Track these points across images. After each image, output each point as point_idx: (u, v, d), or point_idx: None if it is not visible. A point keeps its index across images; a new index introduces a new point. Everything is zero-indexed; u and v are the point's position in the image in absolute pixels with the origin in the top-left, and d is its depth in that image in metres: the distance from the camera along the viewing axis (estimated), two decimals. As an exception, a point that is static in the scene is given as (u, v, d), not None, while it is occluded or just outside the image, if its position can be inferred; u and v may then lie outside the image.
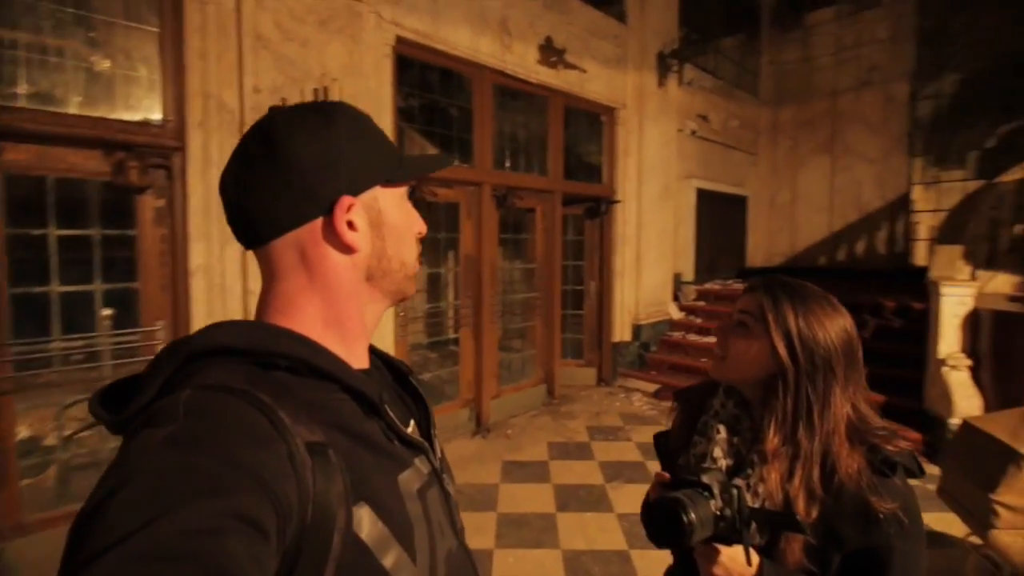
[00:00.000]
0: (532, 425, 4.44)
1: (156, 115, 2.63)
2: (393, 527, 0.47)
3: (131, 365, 2.64)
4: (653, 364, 5.75)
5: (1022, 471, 1.92)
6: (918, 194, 7.15)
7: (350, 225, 0.53)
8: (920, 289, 5.02)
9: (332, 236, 0.52)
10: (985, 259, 4.75)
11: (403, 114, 3.71)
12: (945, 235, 5.45)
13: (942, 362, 3.96)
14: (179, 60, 2.62)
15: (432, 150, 4.21)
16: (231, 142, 2.74)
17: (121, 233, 2.61)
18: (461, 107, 4.12)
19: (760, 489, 0.81)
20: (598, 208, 5.33)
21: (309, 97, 2.93)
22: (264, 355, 0.47)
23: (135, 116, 2.58)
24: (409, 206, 0.60)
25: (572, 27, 4.70)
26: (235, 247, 2.78)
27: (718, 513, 0.73)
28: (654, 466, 3.79)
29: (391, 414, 0.54)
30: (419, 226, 0.61)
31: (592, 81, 4.92)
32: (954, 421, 3.63)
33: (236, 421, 0.40)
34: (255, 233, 0.53)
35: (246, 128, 2.72)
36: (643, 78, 5.40)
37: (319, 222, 0.52)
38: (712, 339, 5.58)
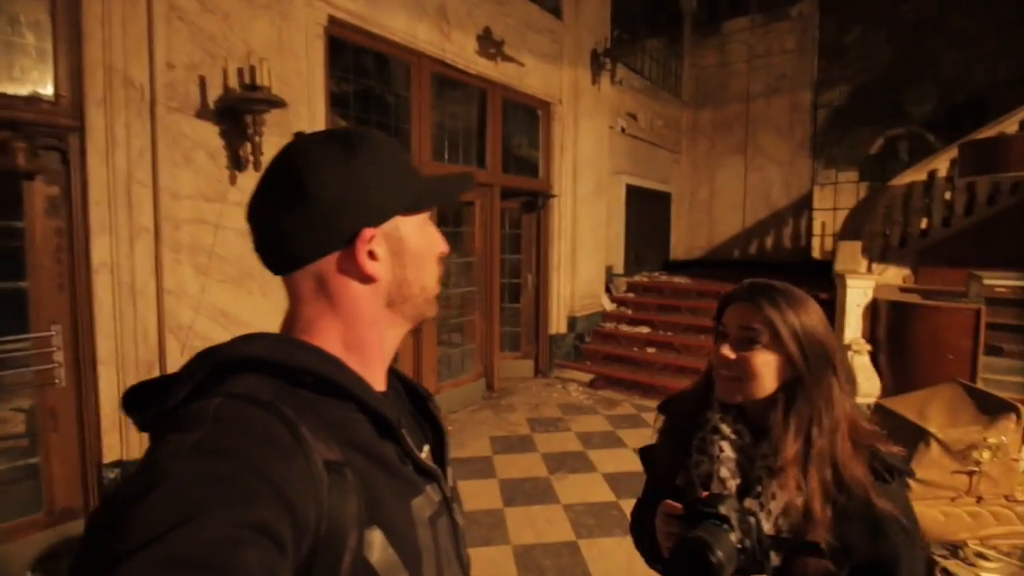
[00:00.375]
0: (473, 420, 4.40)
1: (47, 89, 2.28)
2: (403, 554, 0.47)
3: (22, 375, 2.29)
4: (588, 355, 5.90)
5: (930, 447, 2.15)
6: (817, 194, 7.86)
7: (371, 255, 0.54)
8: (822, 281, 5.52)
9: (353, 266, 0.53)
10: (880, 254, 5.31)
11: (337, 100, 3.49)
12: (846, 232, 6.03)
13: (847, 347, 4.38)
14: (76, 26, 2.28)
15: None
16: (140, 123, 2.44)
17: (7, 225, 2.24)
18: (399, 95, 3.95)
19: (772, 506, 0.80)
20: (535, 202, 5.36)
21: (232, 77, 2.67)
22: (291, 370, 0.48)
23: (21, 90, 2.21)
24: (431, 229, 0.60)
25: (510, 19, 4.65)
26: (147, 242, 2.48)
27: (739, 546, 0.70)
28: (595, 455, 3.90)
29: (407, 438, 0.54)
30: (440, 247, 0.60)
31: (529, 75, 4.91)
32: (858, 400, 4.04)
33: (261, 433, 0.41)
34: (279, 262, 0.54)
35: (158, 107, 2.42)
36: (578, 74, 5.47)
37: (340, 253, 0.53)
38: (643, 329, 5.78)
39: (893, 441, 2.17)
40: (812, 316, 0.84)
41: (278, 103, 2.66)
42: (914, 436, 2.19)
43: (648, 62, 7.34)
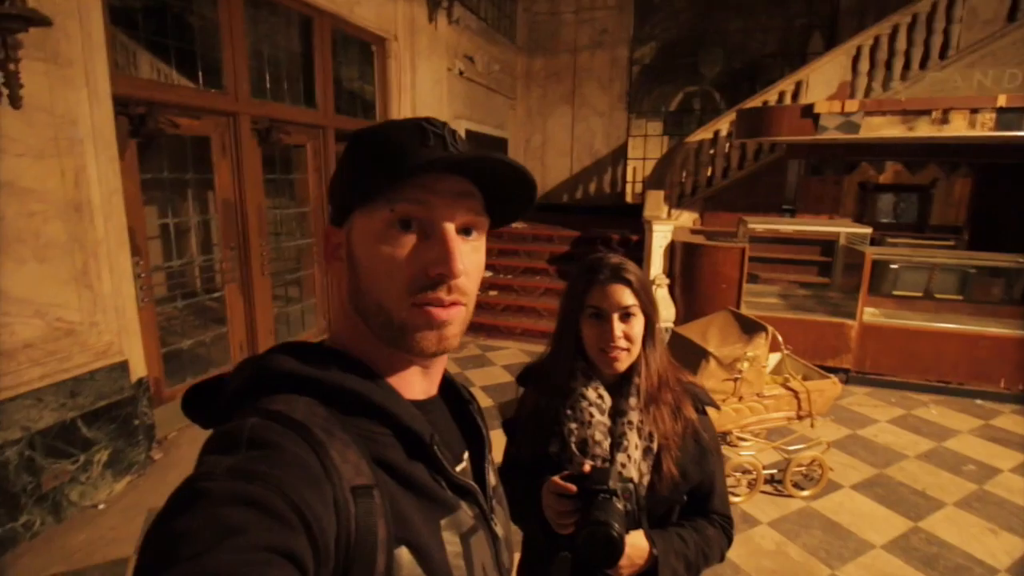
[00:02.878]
0: (319, 378, 4.26)
1: None
2: (432, 574, 0.47)
3: None
4: (433, 302, 6.00)
5: (709, 363, 2.74)
6: (631, 144, 8.79)
7: (336, 255, 0.55)
8: (634, 223, 6.33)
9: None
10: (677, 201, 6.23)
11: (121, 17, 2.83)
12: (652, 181, 6.92)
13: (652, 282, 5.17)
14: None
15: (168, 70, 3.34)
16: None
17: None
18: (204, 16, 3.34)
19: (635, 454, 0.97)
20: (373, 147, 5.09)
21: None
22: (324, 387, 0.49)
23: None
24: (400, 236, 0.49)
25: (335, -64, 4.16)
26: None
27: (625, 512, 0.81)
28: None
29: (440, 456, 0.52)
30: (415, 263, 0.49)
31: (362, 5, 4.51)
32: (660, 326, 4.85)
33: (290, 459, 0.42)
34: None
35: None
36: (413, 10, 5.18)
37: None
38: (485, 273, 6.33)
39: (685, 361, 2.65)
40: (638, 267, 1.03)
41: (37, 19, 2.08)
42: (698, 354, 2.77)
43: (484, 3, 7.20)
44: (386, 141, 0.51)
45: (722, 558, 1.04)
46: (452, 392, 0.64)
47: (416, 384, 0.56)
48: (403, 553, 0.46)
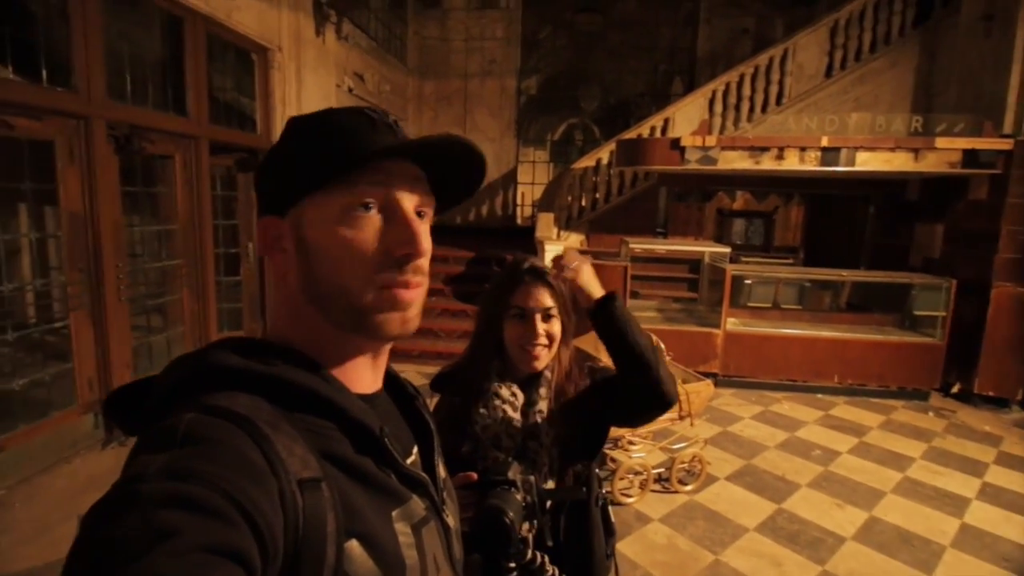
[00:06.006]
0: (191, 415, 3.80)
1: None
2: (384, 566, 0.47)
3: None
4: (323, 326, 5.68)
5: (604, 373, 2.91)
6: (520, 169, 9.16)
7: (277, 247, 0.52)
8: (525, 244, 6.56)
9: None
10: (565, 223, 6.58)
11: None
12: (542, 205, 7.24)
13: (546, 301, 5.38)
14: None
15: (1, 65, 2.85)
16: None
17: None
18: (48, 3, 2.92)
19: (547, 440, 1.02)
20: (254, 160, 4.75)
21: None
22: (266, 381, 0.47)
23: None
24: (362, 219, 0.49)
25: (209, -63, 3.89)
26: None
27: (524, 503, 0.83)
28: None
29: (390, 448, 0.52)
30: (379, 244, 0.50)
31: (241, 11, 4.24)
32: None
33: (231, 454, 0.40)
34: None
35: None
36: (300, 21, 4.98)
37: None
38: None
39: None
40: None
41: None
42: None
43: (374, 23, 7.14)
44: (334, 127, 0.51)
45: (673, 385, 1.04)
46: (397, 387, 0.64)
47: (365, 377, 0.56)
48: (354, 546, 0.45)
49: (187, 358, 0.48)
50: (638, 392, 1.01)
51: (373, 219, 0.50)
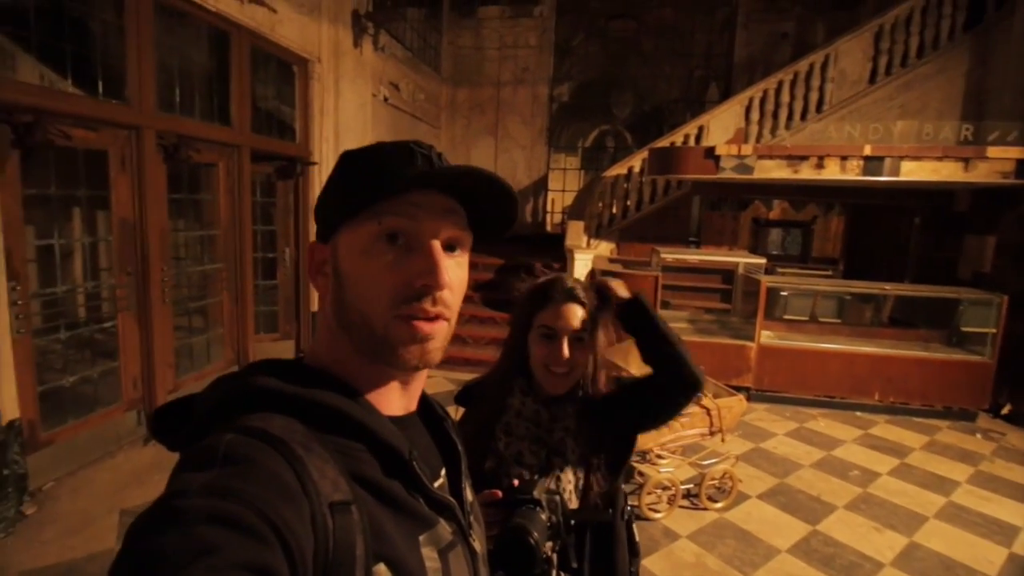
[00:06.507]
0: (228, 414, 3.93)
1: None
2: None
3: None
4: (354, 330, 5.79)
5: (633, 385, 2.87)
6: (551, 176, 9.16)
7: (320, 271, 0.55)
8: (555, 252, 6.56)
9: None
10: (595, 231, 6.54)
11: (7, 15, 2.55)
12: (573, 213, 7.22)
13: (575, 309, 5.35)
14: None
15: (56, 78, 3.04)
16: None
17: None
18: (106, 21, 3.09)
19: (572, 458, 1.01)
20: (293, 168, 4.90)
21: None
22: (300, 403, 0.48)
23: None
24: (384, 249, 0.50)
25: (256, -46, 4.06)
26: None
27: (549, 523, 0.82)
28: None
29: (419, 471, 0.52)
30: (400, 275, 0.50)
31: (284, 25, 4.39)
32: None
33: (267, 475, 0.41)
34: None
35: None
36: (339, 34, 5.13)
37: None
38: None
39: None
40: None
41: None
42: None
43: (410, 33, 7.29)
44: (374, 159, 0.52)
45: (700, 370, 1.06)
46: (427, 409, 0.64)
47: (395, 400, 0.56)
48: (381, 570, 0.45)
49: (227, 379, 0.51)
50: (669, 376, 1.03)
51: (397, 249, 0.50)
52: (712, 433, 3.15)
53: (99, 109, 3.10)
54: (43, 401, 2.94)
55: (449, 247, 0.53)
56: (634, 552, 1.10)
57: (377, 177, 0.50)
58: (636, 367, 3.17)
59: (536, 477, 0.95)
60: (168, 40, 3.55)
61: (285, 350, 5.18)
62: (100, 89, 3.11)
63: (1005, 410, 4.83)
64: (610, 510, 1.05)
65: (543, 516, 0.82)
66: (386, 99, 6.37)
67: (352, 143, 5.52)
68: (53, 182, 2.99)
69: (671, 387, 1.03)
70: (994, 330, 4.63)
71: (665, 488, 3.13)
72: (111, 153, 3.22)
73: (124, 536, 0.37)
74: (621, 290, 1.06)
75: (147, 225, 3.44)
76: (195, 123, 3.85)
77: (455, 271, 0.53)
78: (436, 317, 0.51)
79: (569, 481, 1.01)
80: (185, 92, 3.74)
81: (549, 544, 0.84)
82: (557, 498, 0.87)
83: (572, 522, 0.89)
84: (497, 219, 0.57)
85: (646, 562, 2.63)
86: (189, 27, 3.78)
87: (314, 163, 5.05)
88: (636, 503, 2.98)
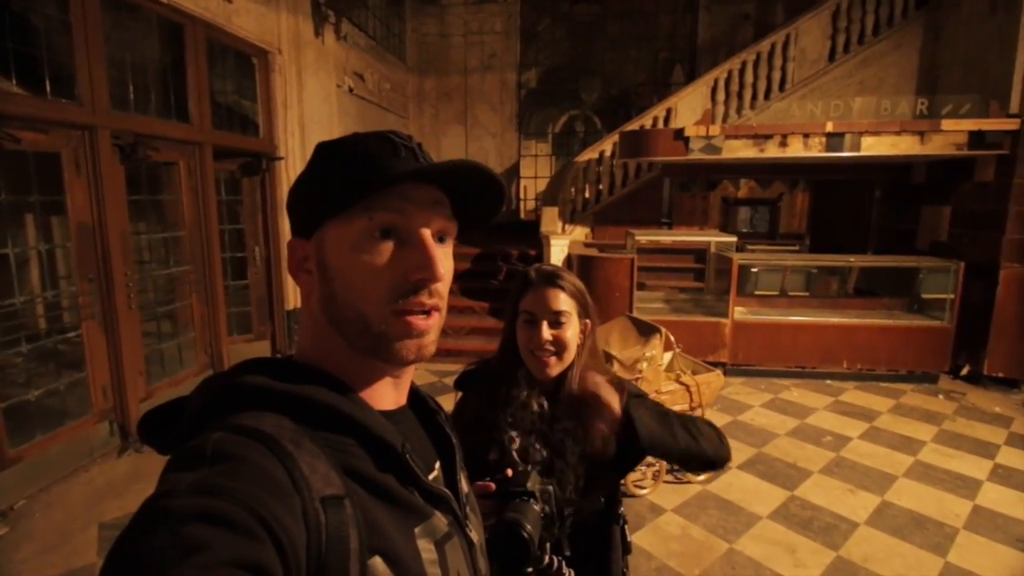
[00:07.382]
0: (205, 418, 3.84)
1: None
2: None
3: None
4: (331, 327, 5.71)
5: (613, 365, 2.91)
6: (522, 163, 9.14)
7: (304, 267, 0.54)
8: (530, 239, 6.56)
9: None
10: (570, 216, 6.57)
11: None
12: (546, 199, 7.23)
13: (553, 295, 5.38)
14: None
15: (4, 78, 2.87)
16: None
17: None
18: (50, 16, 2.93)
19: (572, 459, 1.00)
20: (258, 164, 4.77)
21: None
22: (292, 401, 0.48)
23: None
24: (377, 244, 0.50)
25: (206, -58, 3.89)
26: None
27: (542, 515, 0.82)
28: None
29: (412, 463, 0.52)
30: (395, 269, 0.50)
31: (240, 15, 4.24)
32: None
33: (256, 472, 0.41)
34: None
35: None
36: (299, 23, 4.98)
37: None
38: None
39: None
40: (576, 276, 1.07)
41: None
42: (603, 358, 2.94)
43: (373, 21, 7.12)
44: (357, 152, 0.51)
45: (722, 447, 1.05)
46: (419, 402, 0.64)
47: (387, 395, 0.56)
48: (377, 563, 0.45)
49: (216, 378, 0.50)
50: (699, 468, 1.10)
51: (390, 244, 0.50)
52: (692, 409, 3.23)
53: (48, 109, 2.95)
54: (8, 417, 2.83)
55: (439, 238, 0.53)
56: (626, 550, 1.12)
57: (364, 171, 0.49)
58: (618, 347, 3.22)
59: (529, 468, 0.95)
60: (119, 35, 3.39)
61: (260, 351, 5.07)
62: (48, 88, 2.96)
63: (964, 371, 5.08)
64: (601, 499, 1.06)
65: (536, 508, 0.82)
66: (351, 89, 6.24)
67: (319, 136, 5.41)
68: (2, 188, 2.84)
69: (700, 469, 1.08)
70: (952, 296, 4.85)
71: (649, 465, 3.20)
72: (64, 155, 3.08)
73: (115, 540, 0.36)
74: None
75: (107, 229, 3.31)
76: (152, 121, 3.70)
77: (445, 262, 0.53)
78: (432, 309, 0.52)
79: (570, 482, 1.01)
80: (140, 89, 3.59)
81: (542, 535, 0.84)
82: (550, 488, 0.87)
83: (565, 511, 0.90)
84: (482, 208, 0.57)
85: (634, 537, 2.69)
86: (140, 20, 3.61)
87: (280, 158, 4.92)
88: (623, 481, 3.05)
